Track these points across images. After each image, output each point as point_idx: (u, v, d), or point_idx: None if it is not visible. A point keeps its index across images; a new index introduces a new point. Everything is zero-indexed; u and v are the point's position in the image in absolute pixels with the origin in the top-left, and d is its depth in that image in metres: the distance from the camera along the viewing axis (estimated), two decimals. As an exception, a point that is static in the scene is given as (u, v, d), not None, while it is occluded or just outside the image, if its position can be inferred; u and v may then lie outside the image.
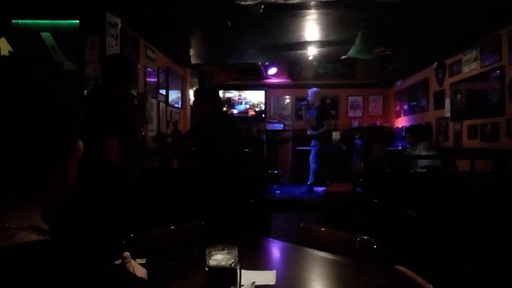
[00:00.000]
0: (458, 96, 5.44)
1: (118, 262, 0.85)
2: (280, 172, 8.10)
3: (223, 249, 1.10)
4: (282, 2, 3.58)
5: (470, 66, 5.08)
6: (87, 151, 2.16)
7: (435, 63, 6.12)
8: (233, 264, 1.08)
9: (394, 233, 3.46)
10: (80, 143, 0.58)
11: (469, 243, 3.02)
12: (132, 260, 0.86)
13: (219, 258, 1.08)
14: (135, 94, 4.54)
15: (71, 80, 0.61)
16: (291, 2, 3.60)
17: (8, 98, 0.49)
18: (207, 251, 1.10)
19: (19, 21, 3.93)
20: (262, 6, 3.76)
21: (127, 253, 0.84)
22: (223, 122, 3.29)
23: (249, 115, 8.47)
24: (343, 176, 6.94)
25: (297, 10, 4.14)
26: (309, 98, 6.83)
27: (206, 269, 1.09)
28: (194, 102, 3.48)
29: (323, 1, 3.69)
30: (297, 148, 8.38)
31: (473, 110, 5.06)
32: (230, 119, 3.63)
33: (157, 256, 1.48)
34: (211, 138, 3.12)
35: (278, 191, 6.95)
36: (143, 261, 1.43)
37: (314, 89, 6.89)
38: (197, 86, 7.84)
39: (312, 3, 3.85)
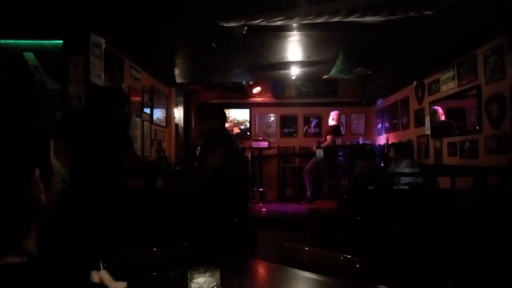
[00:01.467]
0: (437, 114, 5.58)
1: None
2: (266, 189, 8.10)
3: (205, 272, 1.09)
4: (265, 24, 3.66)
5: (448, 85, 5.23)
6: (101, 165, 2.25)
7: (415, 82, 6.28)
8: (215, 287, 1.08)
9: (378, 250, 3.49)
10: (36, 171, 0.61)
11: (452, 259, 3.06)
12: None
13: (201, 281, 1.08)
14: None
15: (30, 106, 0.66)
16: (273, 24, 3.67)
17: None
18: (188, 274, 1.09)
19: (1, 41, 3.91)
20: (245, 28, 3.83)
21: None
22: (231, 138, 3.33)
23: (234, 133, 8.50)
24: (328, 193, 6.99)
25: (280, 32, 4.23)
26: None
27: (188, 292, 1.09)
28: (202, 116, 3.40)
29: (304, 23, 3.78)
30: (283, 165, 8.42)
31: (452, 128, 5.19)
32: (233, 136, 3.67)
33: (139, 278, 1.46)
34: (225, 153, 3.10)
35: (264, 209, 6.94)
36: (124, 284, 1.41)
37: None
38: (182, 105, 7.85)
39: (294, 25, 3.94)
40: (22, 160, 0.59)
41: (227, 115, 7.75)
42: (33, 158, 0.60)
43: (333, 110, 8.81)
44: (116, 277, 1.48)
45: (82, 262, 2.04)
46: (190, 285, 1.08)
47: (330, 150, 6.97)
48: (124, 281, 1.45)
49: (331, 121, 7.31)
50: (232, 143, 3.28)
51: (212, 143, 3.11)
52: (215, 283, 1.08)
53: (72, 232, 2.62)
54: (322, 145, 6.99)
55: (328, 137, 6.98)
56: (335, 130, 7.18)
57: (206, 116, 3.30)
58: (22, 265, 0.55)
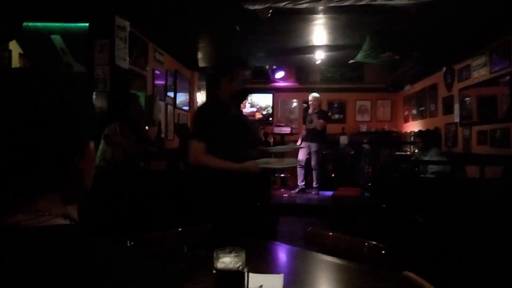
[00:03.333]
0: (467, 102, 5.40)
1: None
2: (287, 175, 8.07)
3: (230, 252, 1.09)
4: (290, 6, 3.58)
5: (480, 71, 5.04)
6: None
7: (444, 68, 6.07)
8: (240, 267, 1.07)
9: (402, 239, 3.43)
10: (91, 144, 0.63)
11: (478, 250, 2.98)
12: None
13: (227, 261, 1.07)
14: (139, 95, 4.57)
15: (81, 84, 0.66)
16: (299, 6, 3.60)
17: (24, 108, 0.56)
18: (214, 254, 1.09)
19: (30, 23, 3.97)
20: (270, 11, 3.77)
21: None
22: (242, 121, 3.29)
23: (256, 118, 8.48)
24: (351, 180, 6.90)
25: (305, 15, 4.14)
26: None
27: (214, 271, 1.09)
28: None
29: (331, 6, 3.68)
30: (305, 152, 8.36)
31: (482, 116, 5.01)
32: (247, 118, 3.61)
33: (164, 258, 1.47)
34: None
35: (286, 195, 6.93)
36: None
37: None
38: (205, 89, 7.86)
39: (320, 7, 3.85)
40: (82, 130, 0.61)
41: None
42: (91, 129, 0.64)
43: (358, 96, 8.66)
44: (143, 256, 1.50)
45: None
46: (216, 265, 1.08)
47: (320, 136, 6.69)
48: (150, 259, 1.47)
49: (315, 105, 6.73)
50: (247, 125, 3.24)
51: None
52: (240, 263, 1.08)
53: (98, 214, 2.67)
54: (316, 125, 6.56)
55: (320, 121, 6.54)
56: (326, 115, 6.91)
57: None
58: (70, 226, 0.59)
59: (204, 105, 2.46)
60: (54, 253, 0.52)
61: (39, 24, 4.02)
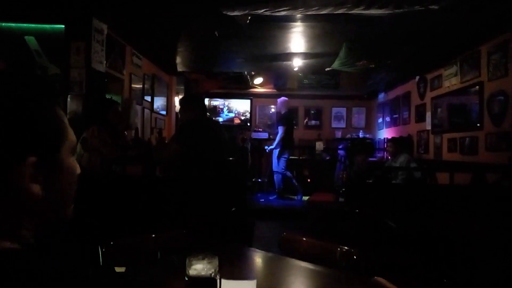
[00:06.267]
0: (439, 110, 5.57)
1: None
2: (264, 180, 8.11)
3: (203, 259, 1.08)
4: (269, 14, 3.62)
5: (451, 81, 5.21)
6: None
7: (417, 77, 6.25)
8: (213, 274, 1.08)
9: (375, 243, 3.50)
10: (30, 160, 0.56)
11: (448, 254, 3.07)
12: None
13: (199, 267, 1.07)
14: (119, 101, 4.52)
15: (25, 88, 0.60)
16: (277, 14, 3.64)
17: None
18: (187, 261, 1.08)
19: (3, 24, 3.88)
20: (249, 17, 3.80)
21: None
22: (206, 128, 3.31)
23: (234, 123, 8.50)
24: (326, 186, 7.00)
25: (284, 22, 4.20)
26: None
27: (186, 278, 1.09)
28: (179, 108, 3.51)
29: (309, 14, 3.75)
30: (282, 157, 8.41)
31: (453, 124, 5.18)
32: (214, 126, 3.63)
33: (137, 264, 1.47)
34: (194, 144, 3.13)
35: (262, 200, 6.95)
36: (122, 269, 1.42)
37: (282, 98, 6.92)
38: (183, 94, 7.83)
39: (298, 15, 3.91)
40: (15, 146, 0.54)
41: (208, 106, 7.46)
42: (29, 145, 0.56)
43: (334, 103, 8.80)
44: (114, 263, 1.49)
45: (81, 248, 2.04)
46: (188, 272, 1.08)
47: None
48: (123, 266, 1.46)
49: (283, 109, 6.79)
50: (212, 133, 3.31)
51: (172, 138, 3.39)
52: (213, 270, 1.08)
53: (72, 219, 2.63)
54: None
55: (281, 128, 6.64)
56: (286, 118, 6.86)
57: (182, 109, 3.44)
58: (15, 251, 0.53)
59: None
60: None
61: (12, 24, 3.92)
